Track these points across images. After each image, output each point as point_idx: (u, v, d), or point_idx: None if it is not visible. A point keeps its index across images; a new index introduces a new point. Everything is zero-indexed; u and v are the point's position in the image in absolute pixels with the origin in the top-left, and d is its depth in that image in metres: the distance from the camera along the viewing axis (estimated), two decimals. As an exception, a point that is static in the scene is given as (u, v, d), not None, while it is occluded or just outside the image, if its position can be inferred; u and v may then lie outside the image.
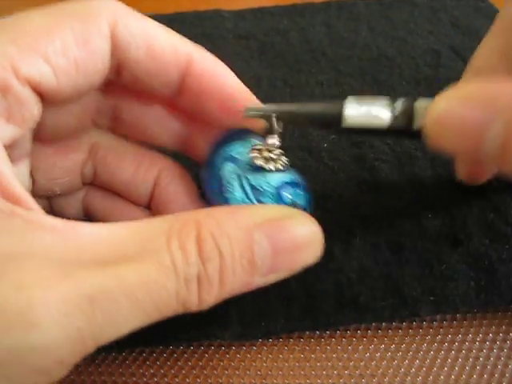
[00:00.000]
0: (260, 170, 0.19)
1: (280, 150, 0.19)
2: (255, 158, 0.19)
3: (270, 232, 0.16)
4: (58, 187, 0.21)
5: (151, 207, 0.22)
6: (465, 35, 0.33)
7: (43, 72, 0.16)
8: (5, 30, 0.16)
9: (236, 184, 0.18)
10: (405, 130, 0.17)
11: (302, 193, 0.19)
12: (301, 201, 0.19)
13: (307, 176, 0.25)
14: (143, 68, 0.18)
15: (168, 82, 0.19)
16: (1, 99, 0.15)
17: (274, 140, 0.19)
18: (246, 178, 0.19)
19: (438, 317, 0.21)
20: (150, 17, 0.37)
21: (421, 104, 0.17)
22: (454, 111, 0.15)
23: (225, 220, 0.15)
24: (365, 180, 0.25)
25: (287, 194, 0.19)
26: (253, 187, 0.19)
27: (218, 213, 0.16)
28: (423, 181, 0.24)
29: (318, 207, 0.23)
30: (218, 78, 0.19)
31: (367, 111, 0.17)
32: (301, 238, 0.16)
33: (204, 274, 0.15)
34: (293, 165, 0.25)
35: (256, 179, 0.19)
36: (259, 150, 0.19)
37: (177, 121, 0.22)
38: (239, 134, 0.20)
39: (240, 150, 0.19)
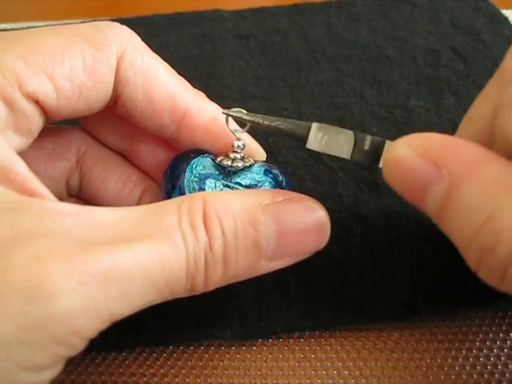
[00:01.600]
0: (231, 173, 0.19)
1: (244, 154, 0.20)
2: (222, 159, 0.19)
3: (275, 213, 0.16)
4: None
5: None
6: (465, 35, 0.33)
7: (46, 92, 0.16)
8: (16, 44, 0.16)
9: (205, 189, 0.19)
10: (370, 165, 0.18)
11: (277, 178, 0.20)
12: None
13: (307, 175, 0.25)
14: (138, 108, 0.19)
15: (162, 126, 0.19)
16: (8, 112, 0.16)
17: (240, 143, 0.19)
18: (221, 184, 0.19)
19: (438, 317, 0.21)
20: (149, 17, 0.37)
21: (390, 145, 0.17)
22: (406, 159, 0.15)
23: (230, 200, 0.16)
24: (365, 180, 0.25)
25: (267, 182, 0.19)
26: (231, 188, 0.19)
27: (224, 194, 0.16)
28: None
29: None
30: (214, 133, 0.20)
31: (328, 141, 0.18)
32: (307, 222, 0.17)
33: (209, 253, 0.15)
34: (292, 164, 0.26)
35: (231, 180, 0.19)
36: (225, 154, 0.20)
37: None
38: (195, 152, 0.20)
39: (205, 164, 0.19)
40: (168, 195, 0.19)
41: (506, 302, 0.20)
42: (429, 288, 0.20)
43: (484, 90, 0.19)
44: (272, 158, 0.26)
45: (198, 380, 0.19)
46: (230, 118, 0.19)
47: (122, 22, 0.36)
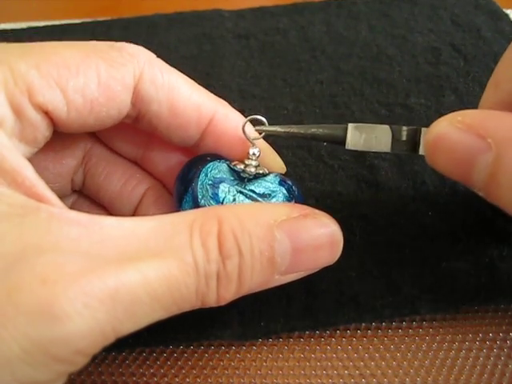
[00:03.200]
0: (246, 180, 0.19)
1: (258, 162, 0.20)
2: (236, 164, 0.19)
3: (291, 230, 0.16)
4: None
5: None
6: (465, 33, 0.33)
7: (57, 104, 0.16)
8: (32, 54, 0.16)
9: (227, 197, 0.19)
10: (409, 155, 0.18)
11: (292, 190, 0.20)
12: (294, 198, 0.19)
13: (307, 174, 0.25)
14: (164, 123, 0.19)
15: (187, 137, 0.19)
16: (15, 121, 0.15)
17: (255, 150, 0.19)
18: (235, 190, 0.19)
19: (438, 317, 0.21)
20: (149, 17, 0.37)
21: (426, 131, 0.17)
22: (449, 135, 0.16)
23: (246, 217, 0.15)
24: (365, 178, 0.24)
25: (280, 195, 0.19)
26: (244, 195, 0.19)
27: (239, 209, 0.16)
28: (423, 178, 0.24)
29: (318, 206, 0.24)
30: (236, 141, 0.20)
31: (367, 138, 0.18)
32: (322, 238, 0.17)
33: (223, 271, 0.15)
34: (292, 164, 0.26)
35: (246, 187, 0.19)
36: (241, 161, 0.20)
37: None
38: (211, 156, 0.20)
39: (220, 169, 0.19)
40: (179, 198, 0.19)
41: (506, 301, 0.20)
42: (429, 287, 0.20)
43: (509, 52, 0.19)
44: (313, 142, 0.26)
45: (198, 380, 0.19)
46: (246, 126, 0.19)
47: (122, 22, 0.36)
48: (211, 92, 0.29)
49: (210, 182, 0.18)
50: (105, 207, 0.22)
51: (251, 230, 0.15)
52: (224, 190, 0.18)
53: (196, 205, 0.18)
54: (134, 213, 0.22)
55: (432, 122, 0.27)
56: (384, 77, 0.30)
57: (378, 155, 0.25)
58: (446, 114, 0.27)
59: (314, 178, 0.25)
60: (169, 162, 0.21)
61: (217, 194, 0.18)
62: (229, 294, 0.15)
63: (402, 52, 0.32)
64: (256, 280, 0.16)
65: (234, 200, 0.18)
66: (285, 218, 0.16)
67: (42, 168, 0.20)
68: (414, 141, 0.18)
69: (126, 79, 0.17)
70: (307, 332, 0.20)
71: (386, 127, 0.18)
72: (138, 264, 0.14)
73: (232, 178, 0.19)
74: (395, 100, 0.29)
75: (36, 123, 0.16)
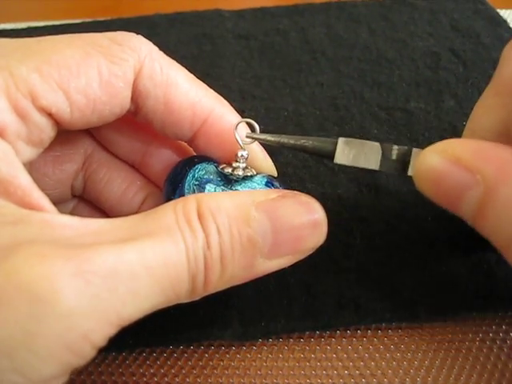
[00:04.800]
0: (232, 181, 0.19)
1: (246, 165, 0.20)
2: (224, 167, 0.19)
3: (269, 209, 0.16)
4: None
5: None
6: (464, 37, 0.33)
7: (60, 106, 0.16)
8: (32, 56, 0.16)
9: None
10: (398, 174, 0.18)
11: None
12: None
13: (307, 176, 0.25)
14: (159, 118, 0.19)
15: (181, 134, 0.19)
16: (21, 125, 0.15)
17: (244, 152, 0.19)
18: (221, 190, 0.19)
19: (438, 318, 0.21)
20: (150, 17, 0.37)
21: (417, 153, 0.18)
22: (438, 168, 0.16)
23: (223, 199, 0.16)
24: (365, 182, 0.25)
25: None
26: None
27: (218, 194, 0.17)
28: None
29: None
30: (228, 142, 0.19)
31: (356, 154, 0.18)
32: (302, 216, 0.16)
33: (207, 250, 0.15)
34: (293, 165, 0.26)
35: (232, 187, 0.19)
36: (228, 163, 0.19)
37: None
38: (199, 158, 0.20)
39: (208, 170, 0.19)
40: (168, 198, 0.19)
41: (504, 307, 0.20)
42: (428, 290, 0.20)
43: (482, 100, 0.19)
44: (272, 158, 0.26)
45: (198, 380, 0.19)
46: (238, 129, 0.19)
47: (122, 22, 0.36)
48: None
49: (197, 183, 0.19)
50: (105, 213, 0.22)
51: (228, 210, 0.15)
52: (210, 189, 0.19)
53: None
54: None
55: (431, 126, 0.27)
56: (384, 80, 0.31)
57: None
58: (445, 119, 0.28)
59: (314, 179, 0.25)
60: (167, 167, 0.21)
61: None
62: (214, 276, 0.15)
63: (402, 56, 0.32)
64: (239, 262, 0.15)
65: None
66: (263, 199, 0.16)
67: (42, 174, 0.20)
68: (404, 161, 0.18)
69: (128, 75, 0.17)
70: (307, 332, 0.20)
71: (377, 145, 0.18)
72: (134, 243, 0.14)
73: (219, 179, 0.19)
74: (395, 104, 0.29)
75: (41, 125, 0.16)
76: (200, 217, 0.15)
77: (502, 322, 0.20)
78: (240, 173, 0.19)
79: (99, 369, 0.19)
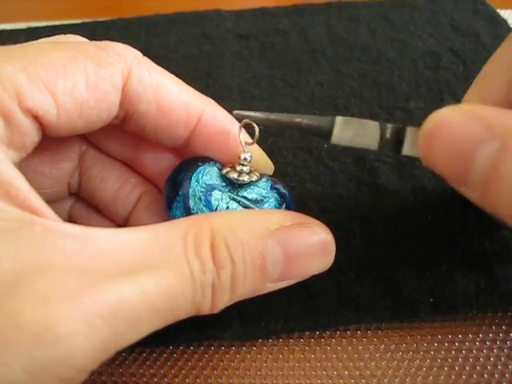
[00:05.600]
0: (237, 185, 0.19)
1: (250, 167, 0.19)
2: (229, 171, 0.19)
3: (283, 239, 0.16)
4: (43, 197, 0.21)
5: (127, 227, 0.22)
6: (464, 37, 0.33)
7: (47, 108, 0.15)
8: (18, 57, 0.15)
9: (220, 205, 0.18)
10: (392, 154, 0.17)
11: (283, 194, 0.20)
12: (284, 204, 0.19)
13: (307, 176, 0.25)
14: (151, 122, 0.18)
15: (175, 137, 0.19)
16: (4, 127, 0.15)
17: (247, 155, 0.19)
18: (228, 197, 0.19)
19: (439, 317, 0.21)
20: (150, 17, 0.37)
21: (411, 131, 0.17)
22: (451, 121, 0.14)
23: (238, 226, 0.15)
24: (365, 181, 0.25)
25: (270, 202, 0.19)
26: (237, 202, 0.19)
27: (232, 218, 0.16)
28: (423, 182, 0.24)
29: (318, 208, 0.24)
30: (225, 141, 0.19)
31: (355, 134, 0.17)
32: (314, 247, 0.17)
33: (217, 281, 0.15)
34: (293, 165, 0.26)
35: (238, 193, 0.19)
36: (232, 166, 0.19)
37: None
38: (201, 160, 0.20)
39: (211, 174, 0.19)
40: (169, 201, 0.19)
41: (504, 306, 0.20)
42: (429, 289, 0.20)
43: (499, 51, 0.18)
44: (272, 158, 0.26)
45: (198, 380, 0.19)
46: (242, 130, 0.19)
47: (122, 22, 0.36)
48: (211, 92, 0.29)
49: (203, 190, 0.18)
50: (101, 211, 0.22)
51: (243, 240, 0.15)
52: (217, 197, 0.18)
53: (188, 213, 0.18)
54: (129, 217, 0.22)
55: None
56: (384, 80, 0.31)
57: (378, 158, 0.25)
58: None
59: (314, 179, 0.25)
60: (160, 165, 0.21)
61: (210, 202, 0.18)
62: (222, 302, 0.16)
63: (402, 56, 0.32)
64: (248, 288, 0.16)
65: (228, 208, 0.18)
66: (277, 226, 0.16)
67: (39, 174, 0.20)
68: (398, 140, 0.17)
69: (115, 79, 0.17)
70: (307, 332, 0.20)
71: (376, 124, 0.17)
72: (137, 278, 0.13)
73: (224, 184, 0.19)
74: (395, 104, 0.29)
75: (25, 129, 0.15)
76: (214, 247, 0.15)
77: (502, 322, 0.20)
78: (245, 178, 0.19)
79: (99, 369, 0.19)
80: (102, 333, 0.13)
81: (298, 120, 0.18)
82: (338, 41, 0.34)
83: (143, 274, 0.14)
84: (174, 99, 0.18)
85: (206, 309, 0.15)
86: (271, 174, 0.21)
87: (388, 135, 0.17)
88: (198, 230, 0.15)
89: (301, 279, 0.17)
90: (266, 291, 0.17)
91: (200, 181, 0.18)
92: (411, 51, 0.33)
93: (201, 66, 0.33)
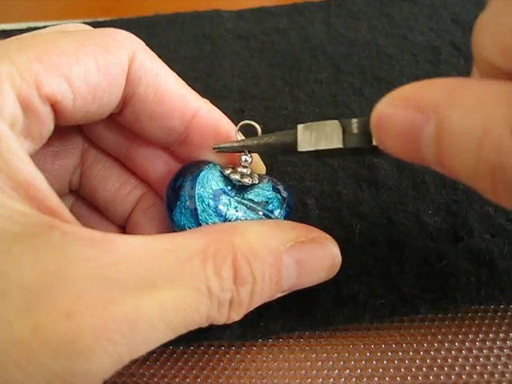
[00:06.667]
0: (238, 187, 0.19)
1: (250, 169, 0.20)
2: (231, 173, 0.19)
3: (297, 255, 0.17)
4: None
5: (126, 228, 0.22)
6: (465, 31, 0.33)
7: (64, 93, 0.16)
8: (29, 47, 0.16)
9: (229, 210, 0.18)
10: (365, 148, 0.17)
11: (284, 194, 0.20)
12: (285, 208, 0.20)
13: (307, 174, 0.25)
14: (148, 108, 0.18)
15: (170, 128, 0.19)
16: (23, 116, 0.15)
17: (247, 157, 0.19)
18: (235, 201, 0.19)
19: (439, 317, 0.20)
20: (149, 17, 0.37)
21: None
22: (389, 114, 0.15)
23: (258, 244, 0.16)
24: (364, 178, 0.24)
25: (271, 206, 0.19)
26: (244, 205, 0.19)
27: (251, 234, 0.16)
28: (423, 177, 0.24)
29: (318, 205, 0.24)
30: (223, 136, 0.20)
31: (317, 136, 0.17)
32: (324, 261, 0.18)
33: (236, 298, 0.15)
34: (292, 163, 0.26)
35: (244, 196, 0.19)
36: (232, 167, 0.19)
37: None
38: (203, 163, 0.20)
39: (216, 179, 0.19)
40: (169, 205, 0.19)
41: (506, 300, 0.20)
42: (429, 286, 0.20)
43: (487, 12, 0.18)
44: (272, 157, 0.26)
45: (198, 380, 0.19)
46: (238, 132, 0.19)
47: (122, 22, 0.36)
48: (211, 92, 0.29)
49: (210, 196, 0.18)
50: (101, 210, 0.22)
51: (263, 257, 0.16)
52: (225, 202, 0.18)
53: (196, 219, 0.18)
54: (128, 218, 0.22)
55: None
56: (384, 76, 0.30)
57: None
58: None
59: (313, 177, 0.25)
60: (156, 165, 0.21)
61: (218, 208, 0.18)
62: (238, 316, 0.16)
63: (402, 51, 0.32)
64: (262, 301, 0.17)
65: (237, 211, 0.18)
66: (293, 242, 0.17)
67: (41, 170, 0.20)
68: (367, 132, 0.17)
69: (123, 62, 0.17)
70: (307, 332, 0.20)
71: (335, 122, 0.17)
72: (155, 293, 0.14)
73: (229, 188, 0.19)
74: (395, 99, 0.29)
75: (43, 117, 0.16)
76: (236, 267, 0.15)
77: (502, 322, 0.20)
78: (248, 180, 0.19)
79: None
80: (121, 348, 0.13)
81: (267, 139, 0.18)
82: (338, 38, 0.34)
83: (161, 289, 0.14)
84: (172, 88, 0.19)
85: (221, 322, 0.16)
86: (264, 172, 0.21)
87: (355, 130, 0.17)
88: (219, 246, 0.15)
89: (304, 287, 0.18)
90: (272, 299, 0.17)
91: (206, 186, 0.18)
92: (411, 46, 0.32)
93: (201, 66, 0.33)
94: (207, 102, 0.20)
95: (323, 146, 0.17)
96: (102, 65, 0.17)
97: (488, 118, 0.12)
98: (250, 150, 0.19)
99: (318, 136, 0.17)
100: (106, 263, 0.14)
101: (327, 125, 0.17)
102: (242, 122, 0.19)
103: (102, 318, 0.13)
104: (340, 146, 0.17)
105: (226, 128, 0.20)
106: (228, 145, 0.19)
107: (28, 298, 0.13)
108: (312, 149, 0.17)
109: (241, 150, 0.19)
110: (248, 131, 0.20)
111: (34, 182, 0.14)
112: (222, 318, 0.15)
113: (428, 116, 0.14)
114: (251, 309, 0.16)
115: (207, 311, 0.15)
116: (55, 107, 0.16)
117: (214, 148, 0.19)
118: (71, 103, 0.16)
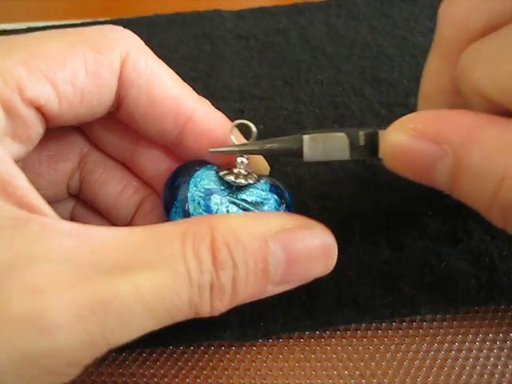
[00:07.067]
0: (235, 188, 0.19)
1: (248, 170, 0.19)
2: (226, 174, 0.19)
3: (284, 241, 0.16)
4: None
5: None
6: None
7: (48, 97, 0.16)
8: (17, 49, 0.16)
9: (220, 209, 0.18)
10: (370, 159, 0.18)
11: (282, 195, 0.19)
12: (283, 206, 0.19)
13: (307, 175, 0.25)
14: (141, 111, 0.18)
15: (164, 131, 0.19)
16: (7, 119, 0.15)
17: (243, 159, 0.19)
18: (227, 200, 0.18)
19: (438, 317, 0.21)
20: (149, 17, 0.37)
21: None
22: (404, 146, 0.15)
23: (240, 228, 0.15)
24: (364, 178, 0.24)
25: (269, 204, 0.19)
26: (237, 205, 0.19)
27: (233, 220, 0.16)
28: None
29: (318, 206, 0.24)
30: (218, 139, 0.19)
31: (324, 149, 0.17)
32: (316, 249, 0.17)
33: (217, 282, 0.15)
34: (292, 164, 0.26)
35: (237, 196, 0.19)
36: (229, 168, 0.19)
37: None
38: (199, 164, 0.19)
39: (209, 178, 0.19)
40: (166, 205, 0.19)
41: (506, 301, 0.20)
42: (429, 287, 0.20)
43: (428, 66, 0.19)
44: (272, 157, 0.26)
45: (198, 380, 0.19)
46: (233, 134, 0.19)
47: (122, 22, 0.36)
48: (211, 92, 0.29)
49: (201, 194, 0.18)
50: (102, 214, 0.22)
51: (245, 242, 0.15)
52: (216, 201, 0.18)
53: (187, 217, 0.18)
54: (131, 222, 0.21)
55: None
56: (384, 77, 0.30)
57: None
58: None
59: (313, 178, 0.25)
60: (157, 167, 0.21)
61: (209, 206, 0.18)
62: (222, 305, 0.15)
63: (402, 52, 0.32)
64: (250, 291, 0.16)
65: (227, 211, 0.18)
66: (279, 228, 0.16)
67: (37, 174, 0.20)
68: (373, 145, 0.17)
69: (114, 64, 0.17)
70: (307, 332, 0.20)
71: (342, 135, 0.17)
72: (131, 275, 0.13)
73: (222, 188, 0.19)
74: (395, 100, 0.29)
75: (29, 120, 0.16)
76: (214, 248, 0.15)
77: (502, 322, 0.20)
78: (243, 180, 0.19)
79: (99, 369, 0.19)
80: (91, 326, 0.13)
81: (270, 145, 0.18)
82: (338, 38, 0.34)
83: (137, 271, 0.14)
84: (166, 91, 0.18)
85: (206, 311, 0.15)
86: (267, 174, 0.21)
87: (362, 142, 0.17)
88: (198, 229, 0.15)
89: (303, 282, 0.17)
90: (267, 295, 0.16)
91: (198, 185, 0.18)
92: (412, 47, 0.32)
93: (201, 66, 0.33)
94: (205, 102, 0.20)
95: (330, 158, 0.18)
96: (92, 67, 0.16)
97: (508, 165, 0.13)
98: (250, 154, 0.19)
99: (324, 149, 0.17)
100: (83, 251, 0.14)
101: (334, 138, 0.17)
102: (237, 122, 0.19)
103: (70, 294, 0.13)
104: (347, 158, 0.17)
105: (222, 132, 0.19)
106: (227, 149, 0.19)
107: None
108: (319, 160, 0.18)
109: (241, 154, 0.19)
110: (243, 130, 0.20)
111: (12, 179, 0.14)
112: (205, 306, 0.15)
113: (445, 152, 0.14)
114: (239, 299, 0.16)
115: (188, 295, 0.14)
116: (41, 110, 0.16)
117: (212, 152, 0.19)
118: (56, 106, 0.16)
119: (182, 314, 0.15)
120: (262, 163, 0.21)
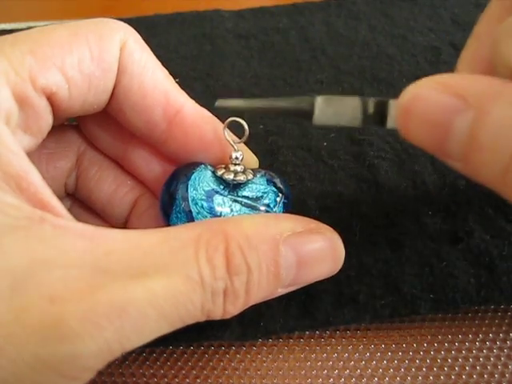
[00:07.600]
0: (233, 185, 0.19)
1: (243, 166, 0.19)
2: (224, 173, 0.19)
3: (295, 245, 0.16)
4: None
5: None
6: (465, 32, 0.33)
7: (59, 84, 0.16)
8: (23, 41, 0.16)
9: (224, 209, 0.18)
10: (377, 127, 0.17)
11: (279, 186, 0.20)
12: (282, 204, 0.19)
13: (307, 174, 0.25)
14: (130, 100, 0.18)
15: (151, 123, 0.19)
16: (19, 110, 0.15)
17: (238, 154, 0.19)
18: (229, 200, 0.19)
19: (439, 317, 0.20)
20: (149, 17, 0.37)
21: (394, 104, 0.16)
22: (424, 96, 0.14)
23: (252, 232, 0.15)
24: (364, 178, 0.24)
25: (267, 200, 0.19)
26: (239, 203, 0.19)
27: (245, 224, 0.16)
28: (423, 178, 0.24)
29: (318, 206, 0.24)
30: (206, 134, 0.19)
31: (335, 112, 0.17)
32: (324, 253, 0.17)
33: (231, 288, 0.15)
34: (292, 163, 0.26)
35: (238, 194, 0.19)
36: (225, 166, 0.19)
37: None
38: (193, 165, 0.19)
39: (207, 179, 0.19)
40: (166, 210, 0.19)
41: (506, 301, 0.20)
42: (429, 287, 0.20)
43: (488, 8, 0.18)
44: (272, 157, 0.26)
45: (198, 380, 0.19)
46: (226, 129, 0.19)
47: (122, 21, 0.36)
48: (211, 92, 0.29)
49: (203, 197, 0.18)
50: (98, 213, 0.22)
51: (258, 246, 0.15)
52: (219, 202, 0.18)
53: (191, 221, 0.18)
54: (127, 220, 0.22)
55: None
56: (384, 76, 0.30)
57: (377, 155, 0.25)
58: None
59: (313, 177, 0.25)
60: (150, 166, 0.21)
61: (213, 208, 0.18)
62: (235, 309, 0.16)
63: (402, 51, 0.32)
64: (261, 294, 0.16)
65: (231, 210, 0.18)
66: (290, 232, 0.16)
67: None
68: (382, 114, 0.16)
69: (115, 49, 0.17)
70: (307, 332, 0.20)
71: (357, 99, 0.17)
72: (146, 280, 0.14)
73: (222, 187, 0.19)
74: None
75: (40, 110, 0.16)
76: (228, 255, 0.15)
77: (502, 322, 0.20)
78: (242, 178, 0.19)
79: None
80: (108, 333, 0.13)
81: (279, 104, 0.17)
82: (338, 38, 0.34)
83: (152, 276, 0.14)
84: (157, 82, 0.18)
85: (218, 315, 0.15)
86: (257, 166, 0.21)
87: (371, 109, 0.17)
88: (212, 235, 0.15)
89: (309, 283, 0.18)
90: (276, 296, 0.17)
91: (198, 188, 0.18)
92: (411, 46, 0.32)
93: (201, 66, 0.33)
94: (193, 102, 0.20)
95: (341, 122, 0.17)
96: (96, 52, 0.17)
97: None
98: (257, 112, 0.18)
99: (336, 112, 0.17)
100: (97, 255, 0.14)
101: (347, 101, 0.17)
102: (230, 119, 0.19)
103: (88, 302, 0.13)
104: (358, 124, 0.17)
105: (211, 127, 0.19)
106: (233, 103, 0.18)
107: (14, 284, 0.12)
108: (329, 124, 0.17)
109: (248, 110, 0.18)
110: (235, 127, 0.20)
111: (26, 175, 0.14)
112: (218, 311, 0.15)
113: (467, 105, 0.13)
114: (251, 303, 0.16)
115: (201, 301, 0.14)
116: (51, 99, 0.16)
117: (217, 105, 0.18)
118: (67, 93, 0.16)
119: (194, 318, 0.15)
120: (250, 157, 0.21)
